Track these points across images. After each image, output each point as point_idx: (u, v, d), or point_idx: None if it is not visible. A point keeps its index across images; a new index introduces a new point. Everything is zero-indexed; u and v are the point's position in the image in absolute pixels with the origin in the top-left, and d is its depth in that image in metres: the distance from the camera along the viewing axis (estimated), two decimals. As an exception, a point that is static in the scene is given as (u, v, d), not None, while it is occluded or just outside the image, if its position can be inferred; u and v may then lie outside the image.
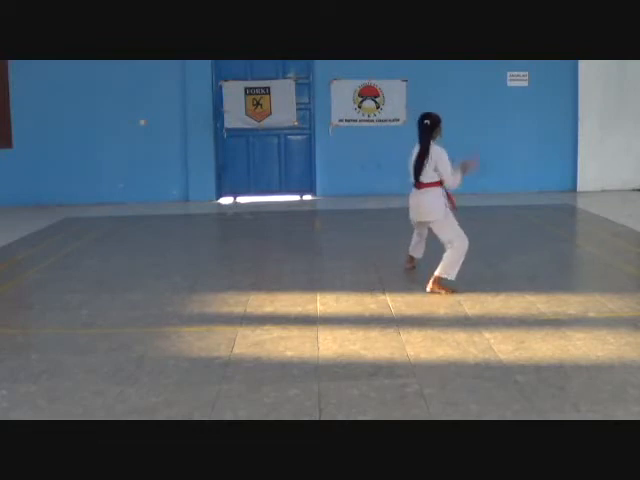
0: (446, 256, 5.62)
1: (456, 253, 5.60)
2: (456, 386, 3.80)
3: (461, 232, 5.67)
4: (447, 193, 5.76)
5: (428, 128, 5.65)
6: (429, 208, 5.75)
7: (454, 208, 5.77)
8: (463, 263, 5.61)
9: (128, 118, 11.57)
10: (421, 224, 6.03)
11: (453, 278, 5.62)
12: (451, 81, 11.57)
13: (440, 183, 5.71)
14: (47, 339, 4.86)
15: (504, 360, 4.14)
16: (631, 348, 4.31)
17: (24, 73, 11.29)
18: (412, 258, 6.37)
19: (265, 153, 11.99)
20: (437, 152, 5.65)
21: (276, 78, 11.67)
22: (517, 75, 11.70)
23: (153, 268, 6.82)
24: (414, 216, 5.96)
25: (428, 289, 5.62)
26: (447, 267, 5.61)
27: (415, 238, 6.27)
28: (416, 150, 5.76)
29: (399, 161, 10.85)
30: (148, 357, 4.35)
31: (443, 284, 5.61)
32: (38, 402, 3.73)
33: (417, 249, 6.30)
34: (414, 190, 5.82)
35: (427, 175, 5.67)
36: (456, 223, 5.70)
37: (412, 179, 5.81)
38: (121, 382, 3.96)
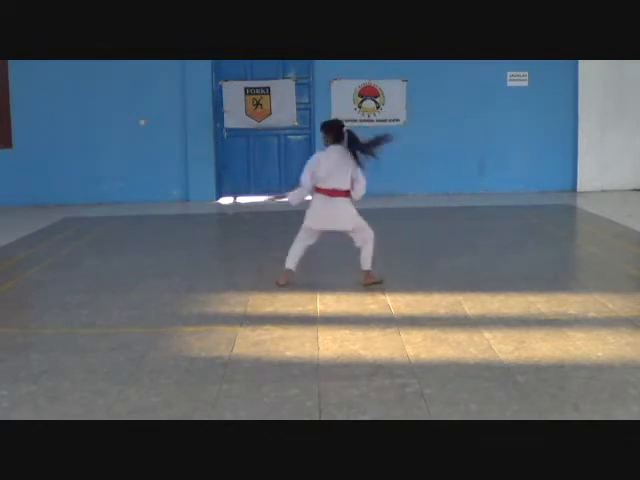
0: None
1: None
2: (456, 386, 3.80)
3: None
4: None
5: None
6: None
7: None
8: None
9: (128, 118, 11.57)
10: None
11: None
12: (451, 81, 11.56)
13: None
14: (47, 339, 4.85)
15: (504, 360, 4.14)
16: (631, 348, 4.31)
17: (24, 73, 11.29)
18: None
19: (265, 153, 11.99)
20: None
21: (276, 78, 11.67)
22: (517, 75, 11.70)
23: (153, 268, 6.82)
24: None
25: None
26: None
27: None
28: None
29: (399, 161, 10.97)
30: (148, 357, 4.35)
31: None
32: (38, 402, 3.73)
33: None
34: None
35: None
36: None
37: None
38: (121, 382, 3.96)
